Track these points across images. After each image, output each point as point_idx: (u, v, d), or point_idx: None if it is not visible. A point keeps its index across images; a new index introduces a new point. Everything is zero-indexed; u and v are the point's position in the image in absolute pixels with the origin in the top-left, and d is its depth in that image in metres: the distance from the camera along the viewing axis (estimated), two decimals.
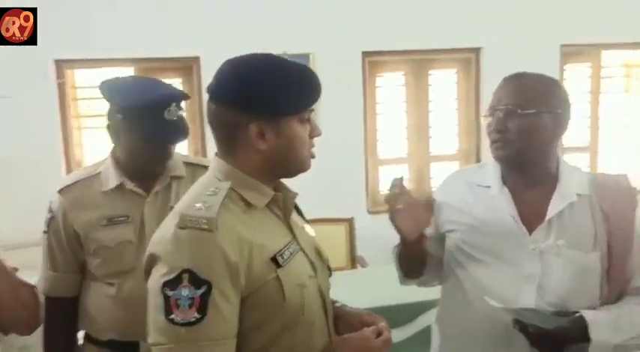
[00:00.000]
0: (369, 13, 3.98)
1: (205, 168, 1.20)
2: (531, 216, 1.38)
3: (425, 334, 2.47)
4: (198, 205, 1.02)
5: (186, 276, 0.95)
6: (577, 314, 1.27)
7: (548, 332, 1.24)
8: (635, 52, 4.49)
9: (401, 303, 2.58)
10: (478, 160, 4.27)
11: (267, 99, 1.08)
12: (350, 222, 3.75)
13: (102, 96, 1.60)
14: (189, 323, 0.94)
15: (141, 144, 1.55)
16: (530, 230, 1.37)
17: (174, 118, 1.54)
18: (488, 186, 1.45)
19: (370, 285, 2.86)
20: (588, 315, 1.27)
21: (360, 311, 1.25)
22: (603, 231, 1.34)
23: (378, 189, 4.28)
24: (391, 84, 4.32)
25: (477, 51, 4.19)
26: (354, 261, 3.70)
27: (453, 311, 1.49)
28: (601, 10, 4.13)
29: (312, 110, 1.14)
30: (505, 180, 1.44)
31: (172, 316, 0.95)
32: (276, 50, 1.43)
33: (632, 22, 4.18)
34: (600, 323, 1.27)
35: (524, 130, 1.36)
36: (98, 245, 1.58)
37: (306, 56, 3.86)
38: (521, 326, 1.26)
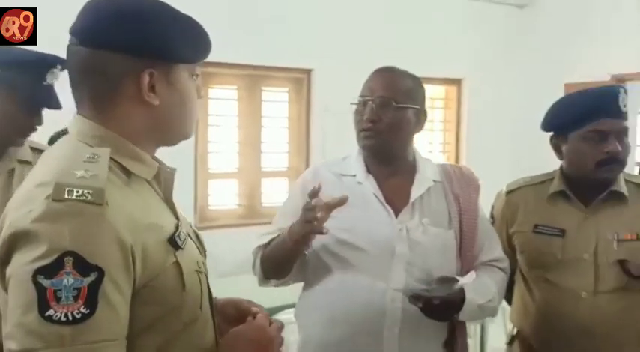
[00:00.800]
0: (204, 23, 3.89)
1: None
2: (396, 200, 1.49)
3: None
4: (79, 173, 0.81)
5: (69, 260, 0.75)
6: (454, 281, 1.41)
7: (448, 298, 1.37)
8: (435, 87, 5.09)
9: None
10: None
11: (163, 41, 0.90)
12: None
13: None
14: (74, 320, 0.74)
15: (13, 108, 1.39)
16: (397, 212, 1.47)
17: (52, 83, 1.42)
18: (354, 175, 1.52)
19: None
20: (461, 280, 1.42)
21: (235, 299, 1.12)
22: (456, 212, 1.50)
23: (207, 203, 4.16)
24: (224, 97, 4.29)
25: (308, 72, 4.37)
26: None
27: (322, 300, 1.48)
28: (414, 47, 4.61)
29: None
30: (369, 169, 1.52)
31: (50, 312, 0.74)
32: None
33: (435, 60, 4.71)
34: (469, 286, 1.43)
35: (395, 122, 1.45)
36: None
37: None
38: (426, 301, 1.34)
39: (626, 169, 1.63)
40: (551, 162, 2.00)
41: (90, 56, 0.89)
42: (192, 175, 4.03)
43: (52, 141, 1.66)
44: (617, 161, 1.55)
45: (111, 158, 0.88)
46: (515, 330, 1.76)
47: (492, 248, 1.56)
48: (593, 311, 1.53)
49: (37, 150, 1.51)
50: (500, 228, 1.70)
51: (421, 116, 1.53)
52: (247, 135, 4.29)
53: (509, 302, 1.76)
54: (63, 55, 1.00)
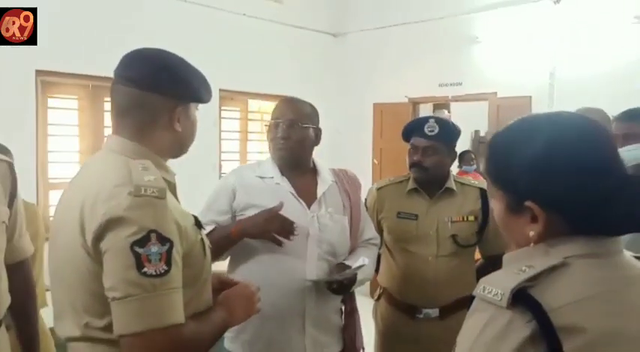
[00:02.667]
0: (45, 32, 3.84)
1: None
2: (306, 195, 1.91)
3: None
4: (146, 178, 1.11)
5: (153, 235, 1.06)
6: (347, 265, 1.86)
7: (349, 278, 1.81)
8: (266, 103, 5.62)
9: None
10: None
11: (190, 87, 1.25)
12: None
13: None
14: (160, 274, 1.06)
15: None
16: (308, 205, 1.90)
17: None
18: (272, 177, 1.92)
19: None
20: (350, 263, 1.87)
21: (217, 273, 1.46)
22: (347, 204, 1.98)
23: (48, 213, 4.05)
24: (65, 106, 4.23)
25: None
26: None
27: (254, 270, 1.83)
28: (246, 67, 5.08)
29: None
30: (282, 172, 1.93)
31: (145, 269, 1.04)
32: None
33: (265, 78, 5.24)
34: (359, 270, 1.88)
35: (300, 139, 1.89)
36: None
37: None
38: (339, 282, 1.78)
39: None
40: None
41: (140, 96, 1.22)
42: (33, 185, 3.91)
43: None
44: (421, 167, 2.17)
45: None
46: (381, 289, 2.33)
47: (369, 230, 2.08)
48: (436, 269, 2.15)
49: None
50: (372, 214, 2.25)
51: (318, 133, 1.98)
52: (89, 144, 4.28)
53: (377, 270, 2.33)
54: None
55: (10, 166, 1.66)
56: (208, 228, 1.83)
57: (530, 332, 0.76)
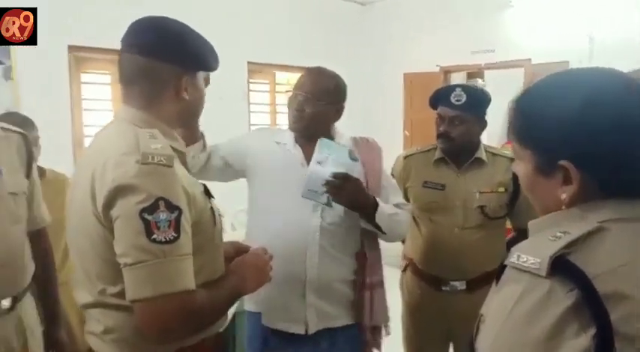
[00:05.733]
0: (77, 7, 3.91)
1: None
2: None
3: None
4: (153, 146, 1.11)
5: (162, 203, 1.06)
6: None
7: (350, 176, 1.75)
8: (293, 74, 5.58)
9: None
10: None
11: (197, 56, 1.25)
12: None
13: None
14: (169, 241, 1.06)
15: None
16: None
17: None
18: (286, 144, 1.92)
19: None
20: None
21: (233, 241, 1.48)
22: (363, 173, 1.91)
23: None
24: (97, 81, 4.31)
25: None
26: None
27: (267, 227, 1.86)
28: (269, 39, 5.05)
29: None
30: (297, 141, 1.92)
31: (154, 236, 1.05)
32: None
33: (290, 50, 5.20)
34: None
35: (314, 114, 1.85)
36: None
37: (7, 51, 3.57)
38: (331, 183, 1.73)
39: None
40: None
41: (145, 64, 1.21)
42: (70, 159, 4.02)
43: None
44: (447, 137, 2.12)
45: None
46: (407, 260, 2.33)
47: (396, 197, 2.00)
48: (461, 241, 2.13)
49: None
50: (399, 183, 2.21)
51: (339, 109, 1.93)
52: None
53: (403, 242, 2.33)
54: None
55: (25, 138, 1.71)
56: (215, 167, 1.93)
57: (572, 301, 0.71)
